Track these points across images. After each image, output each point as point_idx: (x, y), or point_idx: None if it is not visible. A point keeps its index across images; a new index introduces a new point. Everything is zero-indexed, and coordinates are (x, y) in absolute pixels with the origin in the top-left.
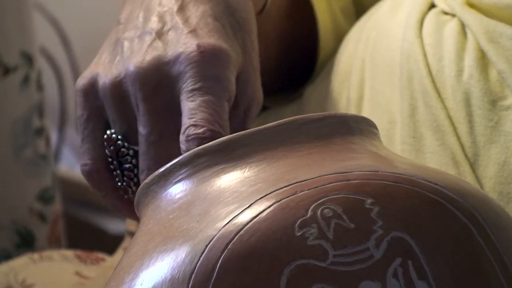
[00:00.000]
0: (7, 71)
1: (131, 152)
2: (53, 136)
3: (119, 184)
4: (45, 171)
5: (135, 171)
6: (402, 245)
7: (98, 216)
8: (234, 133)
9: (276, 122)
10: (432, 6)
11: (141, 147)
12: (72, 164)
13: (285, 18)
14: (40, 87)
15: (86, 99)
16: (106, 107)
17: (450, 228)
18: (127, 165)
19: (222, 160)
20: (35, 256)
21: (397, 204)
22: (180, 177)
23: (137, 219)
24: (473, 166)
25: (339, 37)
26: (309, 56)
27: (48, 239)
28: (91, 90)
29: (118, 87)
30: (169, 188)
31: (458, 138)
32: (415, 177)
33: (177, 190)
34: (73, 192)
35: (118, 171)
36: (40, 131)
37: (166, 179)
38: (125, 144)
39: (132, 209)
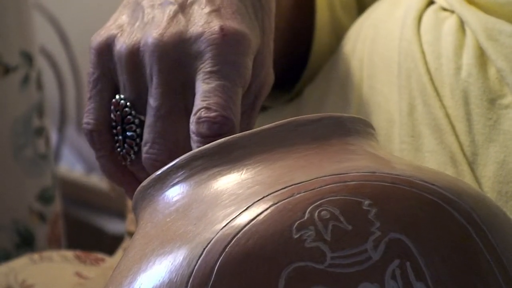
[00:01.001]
0: (7, 70)
1: (136, 121)
2: (53, 136)
3: (118, 149)
4: (45, 171)
5: (137, 140)
6: (400, 247)
7: (98, 217)
8: (243, 115)
9: (272, 124)
10: (431, 2)
11: (149, 119)
12: (72, 164)
13: (292, 9)
14: (40, 86)
15: (99, 58)
16: (118, 71)
17: (447, 228)
18: (130, 133)
19: (219, 163)
20: (35, 256)
21: (395, 206)
22: (177, 180)
23: (124, 185)
24: (471, 165)
25: (337, 31)
26: (305, 56)
27: (48, 239)
28: (106, 51)
29: (134, 54)
30: (166, 191)
31: (457, 137)
32: (413, 178)
33: (174, 193)
34: (73, 192)
35: (120, 137)
36: (40, 131)
37: (163, 182)
38: (132, 112)
39: (123, 176)
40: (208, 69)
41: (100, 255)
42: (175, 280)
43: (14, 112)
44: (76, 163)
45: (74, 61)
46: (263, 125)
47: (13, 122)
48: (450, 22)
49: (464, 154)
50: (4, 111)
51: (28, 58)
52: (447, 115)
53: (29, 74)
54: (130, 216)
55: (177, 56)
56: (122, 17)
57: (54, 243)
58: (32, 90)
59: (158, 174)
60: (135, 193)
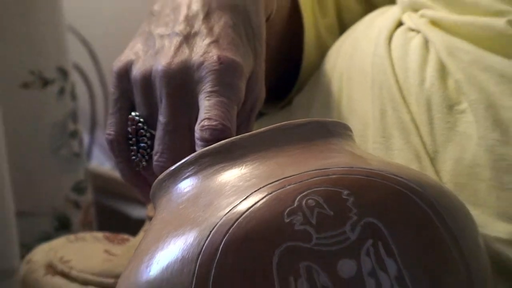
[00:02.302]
0: (46, 83)
1: (148, 134)
2: (85, 138)
3: (133, 157)
4: (78, 167)
5: (148, 150)
6: (373, 229)
7: (124, 204)
8: (242, 124)
9: (267, 127)
10: (400, 24)
11: (158, 133)
12: (101, 161)
13: (283, 30)
14: (73, 97)
15: (119, 81)
16: (134, 92)
17: (413, 214)
18: (143, 144)
19: (223, 160)
20: (71, 237)
21: (369, 195)
22: (188, 174)
23: (137, 187)
24: (433, 161)
25: (321, 49)
26: (295, 68)
27: (82, 224)
28: (124, 75)
29: (147, 79)
30: (178, 183)
31: (421, 137)
32: (384, 172)
33: (186, 185)
34: (102, 184)
35: (135, 147)
36: (74, 134)
37: (176, 176)
38: (145, 127)
39: (137, 179)
40: (209, 89)
41: (125, 236)
42: (187, 257)
43: (52, 118)
44: (105, 160)
45: (102, 75)
46: (259, 128)
47: (52, 127)
48: (416, 41)
49: (427, 152)
50: (44, 117)
51: (63, 73)
52: (413, 119)
53: (64, 86)
54: (150, 204)
55: (182, 81)
56: (137, 45)
57: (86, 227)
58: (67, 100)
59: (172, 169)
60: (153, 184)
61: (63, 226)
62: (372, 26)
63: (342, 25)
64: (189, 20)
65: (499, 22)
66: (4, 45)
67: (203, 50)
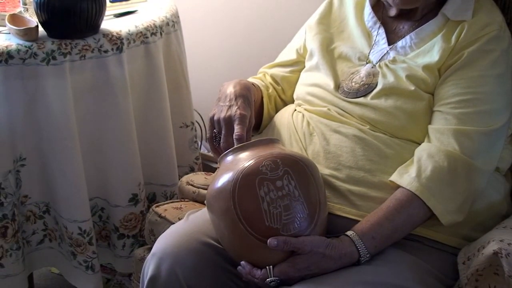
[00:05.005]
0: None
1: (219, 136)
2: (198, 141)
3: (214, 143)
4: (198, 151)
5: (220, 143)
6: (286, 172)
7: (214, 164)
8: (247, 136)
9: (255, 140)
10: (295, 109)
11: (222, 138)
12: (203, 150)
13: (258, 105)
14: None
15: (211, 123)
16: (216, 126)
17: (300, 168)
18: (217, 139)
19: (240, 150)
20: (195, 172)
21: (286, 161)
22: (230, 154)
23: (216, 155)
24: (306, 150)
25: (271, 116)
26: (261, 119)
27: (198, 170)
28: (212, 119)
29: (218, 120)
30: (227, 157)
31: (301, 142)
32: (291, 153)
33: (229, 158)
34: (207, 157)
35: (215, 141)
36: (196, 140)
37: (226, 155)
38: (219, 135)
39: (215, 152)
40: (236, 121)
41: (211, 173)
42: (229, 180)
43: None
44: (204, 149)
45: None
46: (253, 140)
47: (189, 141)
48: (300, 115)
49: (303, 147)
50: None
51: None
52: (299, 138)
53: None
54: (219, 162)
55: (229, 122)
56: (214, 110)
57: (199, 171)
58: (194, 132)
59: (225, 152)
60: (219, 157)
61: (192, 170)
62: (286, 110)
63: (277, 109)
64: (230, 100)
65: (324, 109)
66: None
67: (234, 111)
